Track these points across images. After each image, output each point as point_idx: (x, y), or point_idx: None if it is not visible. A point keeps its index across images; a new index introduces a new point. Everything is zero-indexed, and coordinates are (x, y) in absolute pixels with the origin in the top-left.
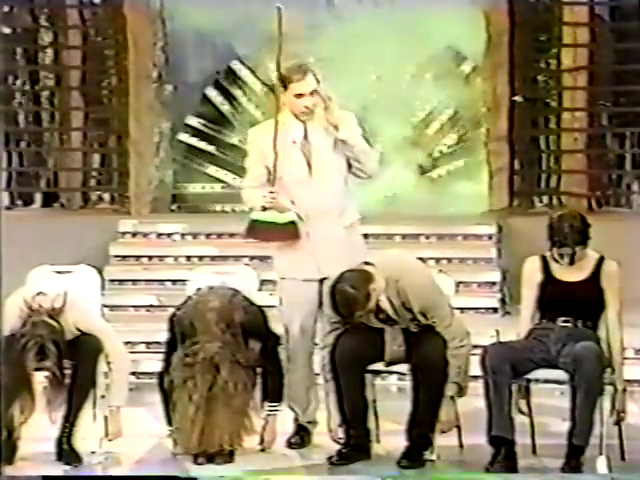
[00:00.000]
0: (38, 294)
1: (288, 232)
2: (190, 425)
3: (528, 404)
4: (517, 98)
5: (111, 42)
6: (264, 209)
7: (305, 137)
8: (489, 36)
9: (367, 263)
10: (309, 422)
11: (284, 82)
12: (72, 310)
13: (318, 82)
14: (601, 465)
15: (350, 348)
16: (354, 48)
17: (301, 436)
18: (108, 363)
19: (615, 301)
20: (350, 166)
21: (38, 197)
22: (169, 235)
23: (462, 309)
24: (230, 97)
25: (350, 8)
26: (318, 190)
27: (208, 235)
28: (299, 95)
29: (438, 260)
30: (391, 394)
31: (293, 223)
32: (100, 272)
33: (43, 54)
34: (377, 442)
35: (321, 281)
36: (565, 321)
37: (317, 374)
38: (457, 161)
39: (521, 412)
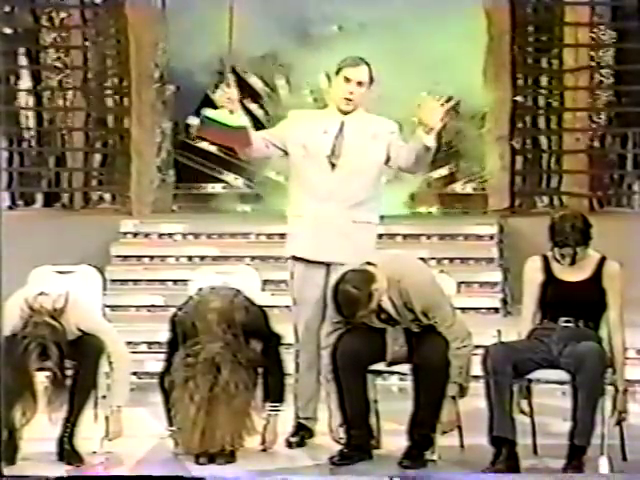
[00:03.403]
0: (39, 294)
1: (237, 136)
2: (191, 425)
3: (529, 404)
4: (518, 98)
5: (112, 42)
6: (222, 108)
7: (340, 130)
8: (490, 36)
9: (369, 263)
10: (308, 418)
11: (337, 69)
12: (73, 310)
13: (371, 81)
14: (603, 465)
15: (351, 348)
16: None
17: (300, 436)
18: (110, 363)
19: (616, 301)
20: (388, 160)
21: (39, 197)
22: (170, 235)
23: (463, 309)
24: None
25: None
26: (338, 184)
27: (209, 235)
28: (347, 80)
29: (439, 260)
30: (392, 394)
31: (244, 128)
32: (101, 272)
33: (45, 54)
34: (378, 448)
35: (325, 266)
36: (566, 321)
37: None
38: (458, 161)
39: (522, 412)
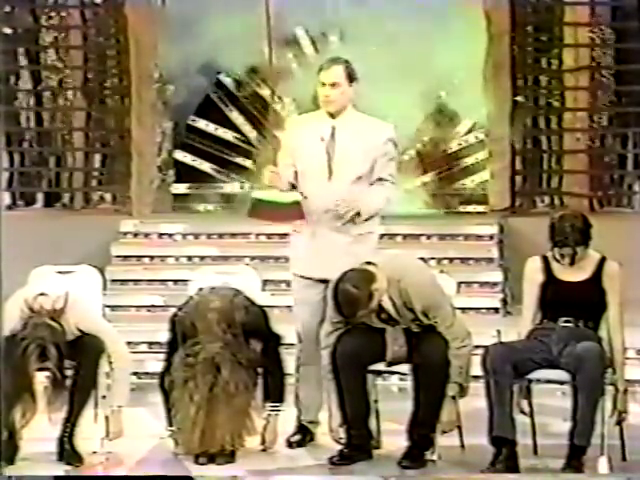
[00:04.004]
0: (39, 295)
1: (291, 212)
2: (191, 425)
3: (529, 404)
4: (519, 98)
5: (112, 42)
6: (268, 188)
7: (332, 136)
8: (490, 36)
9: (369, 263)
10: (311, 422)
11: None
12: (73, 310)
13: (351, 80)
14: (602, 465)
15: (351, 348)
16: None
17: (301, 436)
18: (110, 363)
19: (616, 301)
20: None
21: (40, 197)
22: (170, 235)
23: (463, 309)
24: (232, 97)
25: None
26: (334, 192)
27: (209, 235)
28: (322, 84)
29: (439, 260)
30: (392, 394)
31: (297, 203)
32: (102, 272)
33: (44, 54)
34: (378, 448)
35: (325, 282)
36: (566, 321)
37: None
38: (458, 161)
39: (522, 412)
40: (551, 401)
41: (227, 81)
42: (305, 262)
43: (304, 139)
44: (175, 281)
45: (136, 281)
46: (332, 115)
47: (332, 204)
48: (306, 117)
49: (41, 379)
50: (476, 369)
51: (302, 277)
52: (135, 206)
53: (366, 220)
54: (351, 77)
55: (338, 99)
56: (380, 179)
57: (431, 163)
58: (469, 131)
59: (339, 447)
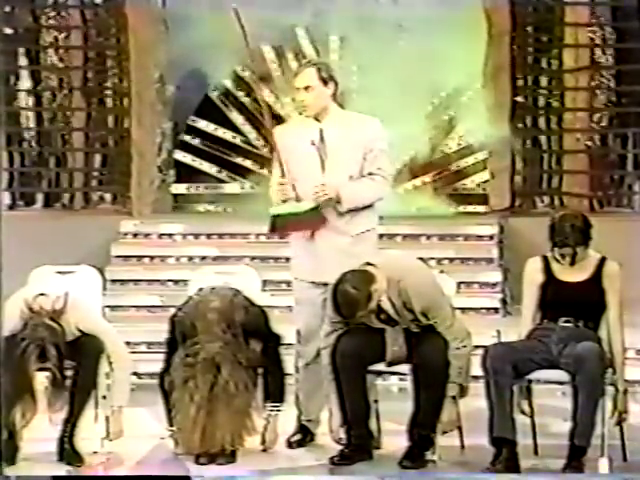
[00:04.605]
0: (39, 295)
1: (311, 219)
2: (191, 425)
3: (530, 404)
4: (519, 98)
5: (112, 42)
6: (283, 202)
7: (321, 139)
8: (490, 37)
9: (368, 263)
10: (310, 420)
11: None
12: (73, 311)
13: (326, 81)
14: (603, 466)
15: (351, 348)
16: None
17: (301, 436)
18: (110, 363)
19: (616, 302)
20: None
21: (40, 197)
22: (170, 235)
23: (463, 309)
24: (232, 97)
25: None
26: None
27: (209, 235)
28: (297, 89)
29: (439, 260)
30: (392, 394)
31: (315, 209)
32: (101, 272)
33: (45, 54)
34: (378, 448)
35: (327, 284)
36: (566, 321)
37: None
38: (458, 161)
39: (523, 413)
40: (551, 401)
41: (227, 81)
42: (306, 266)
43: (295, 145)
44: (175, 281)
45: (136, 281)
46: (317, 118)
47: (330, 204)
48: (294, 122)
49: (41, 379)
50: (476, 369)
51: (302, 280)
52: (135, 206)
53: (351, 211)
54: (325, 79)
55: (313, 103)
56: (370, 173)
57: (431, 163)
58: (469, 131)
59: (339, 447)
